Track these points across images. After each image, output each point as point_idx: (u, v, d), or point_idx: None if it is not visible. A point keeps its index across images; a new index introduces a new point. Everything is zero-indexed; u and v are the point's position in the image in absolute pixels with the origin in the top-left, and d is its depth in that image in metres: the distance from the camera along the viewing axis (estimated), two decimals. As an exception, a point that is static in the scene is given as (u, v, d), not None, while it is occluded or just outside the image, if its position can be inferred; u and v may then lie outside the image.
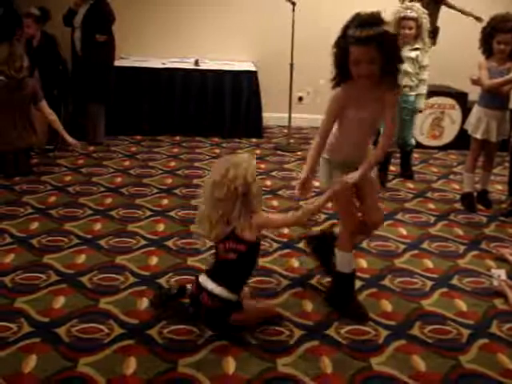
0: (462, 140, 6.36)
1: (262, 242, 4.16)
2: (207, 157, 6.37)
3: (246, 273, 3.17)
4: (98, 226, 4.36)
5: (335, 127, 3.18)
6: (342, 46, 2.94)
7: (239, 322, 3.07)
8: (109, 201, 4.91)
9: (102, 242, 4.09)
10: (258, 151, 6.72)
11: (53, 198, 4.92)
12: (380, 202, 3.45)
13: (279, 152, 6.71)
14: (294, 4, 6.52)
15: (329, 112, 3.11)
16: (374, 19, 2.90)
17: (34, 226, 4.34)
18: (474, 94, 5.31)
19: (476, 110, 5.04)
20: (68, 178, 5.45)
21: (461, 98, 7.00)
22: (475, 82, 4.98)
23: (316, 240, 3.82)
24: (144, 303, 3.33)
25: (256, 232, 3.05)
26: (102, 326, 3.08)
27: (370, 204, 3.36)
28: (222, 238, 3.05)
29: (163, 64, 7.26)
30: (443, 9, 7.03)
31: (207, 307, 3.05)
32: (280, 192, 5.34)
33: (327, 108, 3.11)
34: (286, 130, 7.12)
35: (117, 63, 6.98)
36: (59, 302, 3.31)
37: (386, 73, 2.95)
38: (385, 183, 5.63)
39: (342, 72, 3.00)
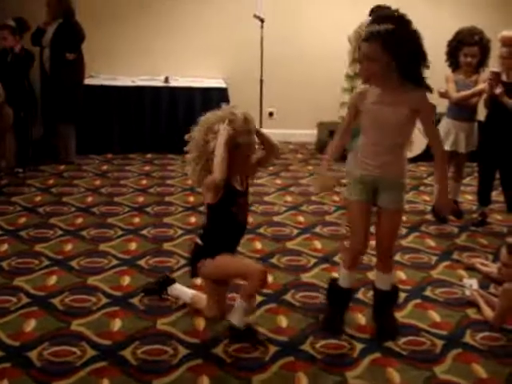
0: (431, 152, 6.41)
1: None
2: (179, 174, 6.34)
3: (219, 226, 3.21)
4: (69, 247, 4.32)
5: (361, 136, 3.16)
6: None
7: (208, 273, 3.23)
8: (80, 221, 4.86)
9: (74, 263, 4.04)
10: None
11: (23, 219, 4.85)
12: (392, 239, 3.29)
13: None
14: (262, 21, 6.57)
15: (349, 110, 3.20)
16: (385, 15, 2.89)
17: (4, 247, 4.27)
18: (442, 106, 5.37)
19: (444, 122, 5.10)
20: (38, 199, 5.39)
21: (429, 110, 7.07)
22: (443, 95, 5.04)
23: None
24: (117, 324, 3.29)
25: (207, 194, 3.13)
26: (74, 349, 3.04)
27: (381, 234, 3.24)
28: None
29: (133, 82, 7.23)
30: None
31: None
32: (253, 208, 5.32)
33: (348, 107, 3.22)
34: (257, 146, 7.12)
35: (86, 82, 6.94)
36: (30, 325, 3.26)
37: (404, 74, 2.89)
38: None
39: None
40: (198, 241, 3.27)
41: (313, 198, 5.65)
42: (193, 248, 3.33)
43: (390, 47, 2.80)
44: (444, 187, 3.20)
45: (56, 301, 3.53)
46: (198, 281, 3.72)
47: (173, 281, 3.57)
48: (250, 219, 4.99)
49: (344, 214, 3.46)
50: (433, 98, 4.94)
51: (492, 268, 4.03)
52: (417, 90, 2.96)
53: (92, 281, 3.80)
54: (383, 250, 3.26)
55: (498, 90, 4.58)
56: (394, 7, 3.16)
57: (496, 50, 4.79)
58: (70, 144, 6.64)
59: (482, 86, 4.82)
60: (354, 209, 3.20)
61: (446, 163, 3.21)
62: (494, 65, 4.80)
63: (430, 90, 3.00)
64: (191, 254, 3.35)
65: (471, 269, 4.13)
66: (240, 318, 3.15)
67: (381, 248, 3.26)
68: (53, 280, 3.80)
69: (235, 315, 3.16)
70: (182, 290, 3.51)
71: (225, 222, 3.18)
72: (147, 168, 6.58)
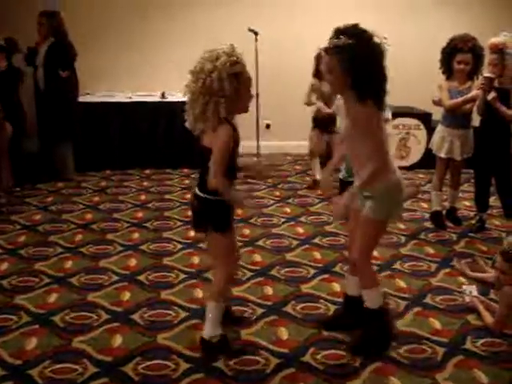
0: (428, 159, 6.45)
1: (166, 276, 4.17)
2: (178, 188, 6.37)
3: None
4: (68, 264, 4.32)
5: None
6: None
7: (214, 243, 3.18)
8: (79, 238, 4.87)
9: (74, 280, 4.05)
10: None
11: (22, 238, 4.86)
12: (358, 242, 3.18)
13: (249, 180, 6.73)
14: (256, 34, 6.61)
15: None
16: (345, 30, 2.88)
17: (4, 266, 4.28)
18: (437, 113, 5.41)
19: (439, 130, 5.12)
20: (37, 217, 5.40)
21: (425, 118, 7.12)
22: (436, 103, 5.07)
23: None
24: (118, 340, 3.30)
25: (214, 143, 2.96)
26: (75, 366, 3.04)
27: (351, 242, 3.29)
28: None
29: (129, 98, 7.26)
30: (405, 34, 7.22)
31: (193, 208, 3.20)
32: (252, 220, 5.34)
33: None
34: (255, 158, 7.16)
35: (83, 99, 6.99)
36: (31, 343, 3.26)
37: (359, 90, 2.90)
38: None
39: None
40: (205, 195, 3.05)
41: (311, 209, 5.67)
42: (198, 204, 3.11)
43: (345, 62, 2.84)
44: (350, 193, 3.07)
45: (57, 318, 3.53)
46: (199, 294, 3.73)
47: None
48: (248, 231, 5.03)
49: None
50: (428, 105, 5.01)
51: (487, 273, 4.07)
52: (355, 98, 2.93)
53: (92, 297, 3.80)
54: (352, 255, 3.27)
55: (491, 96, 4.61)
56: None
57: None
58: (68, 161, 6.67)
59: (475, 92, 4.84)
60: (384, 228, 3.27)
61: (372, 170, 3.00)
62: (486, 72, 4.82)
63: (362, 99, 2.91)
64: (197, 209, 3.14)
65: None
66: (211, 329, 3.14)
67: (351, 253, 3.30)
68: (53, 297, 3.80)
69: (207, 327, 3.15)
70: None
71: (230, 162, 3.02)
72: (146, 183, 6.59)
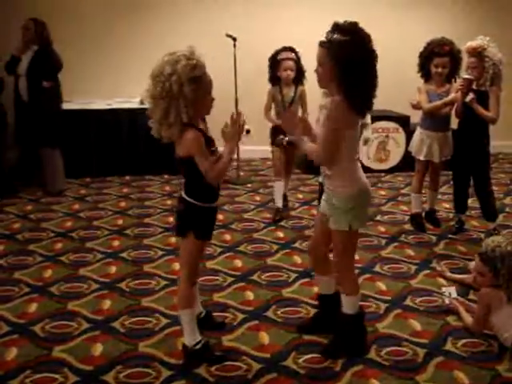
0: (407, 162, 6.50)
1: (216, 277, 4.18)
2: (158, 195, 6.35)
3: (197, 179, 2.99)
4: (48, 273, 4.29)
5: None
6: None
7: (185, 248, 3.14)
8: (59, 246, 4.83)
9: (53, 289, 4.02)
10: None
11: (1, 247, 4.81)
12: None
13: (230, 185, 6.74)
14: (234, 40, 6.61)
15: None
16: (342, 26, 2.86)
17: (-17, 277, 4.25)
18: (416, 116, 5.45)
19: (418, 133, 5.16)
20: (16, 226, 5.35)
21: (404, 121, 7.17)
22: (415, 107, 5.11)
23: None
24: (98, 348, 3.28)
25: (185, 150, 2.95)
26: (56, 375, 3.02)
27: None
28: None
29: (108, 105, 7.24)
30: (383, 37, 7.23)
31: (178, 212, 3.21)
32: (233, 226, 5.34)
33: None
34: (235, 163, 7.15)
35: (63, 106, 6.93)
36: (12, 353, 3.23)
37: (344, 89, 2.88)
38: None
39: None
40: (191, 200, 3.03)
41: (292, 213, 5.68)
42: (183, 207, 3.08)
43: (335, 57, 2.83)
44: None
45: (37, 328, 3.50)
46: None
47: None
48: (228, 237, 5.03)
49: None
50: (406, 108, 5.05)
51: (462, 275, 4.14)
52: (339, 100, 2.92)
53: (72, 306, 3.77)
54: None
55: (469, 98, 4.65)
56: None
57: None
58: (59, 171, 6.47)
59: (453, 95, 4.89)
60: (356, 237, 3.24)
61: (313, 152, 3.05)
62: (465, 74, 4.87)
63: (357, 110, 2.93)
64: (182, 213, 3.11)
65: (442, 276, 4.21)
66: (188, 336, 3.13)
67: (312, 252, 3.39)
68: (33, 307, 3.77)
69: (185, 334, 3.15)
70: None
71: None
72: (125, 190, 6.57)
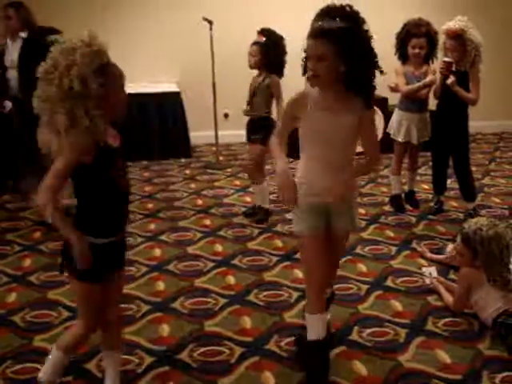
0: (386, 144, 6.49)
1: (197, 262, 4.16)
2: (137, 182, 6.30)
3: (94, 199, 2.40)
4: (27, 262, 4.24)
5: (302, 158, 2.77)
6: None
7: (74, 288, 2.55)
8: (37, 235, 4.78)
9: (33, 278, 3.98)
10: (187, 171, 6.69)
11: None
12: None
13: (209, 170, 6.71)
14: (211, 23, 6.56)
15: (284, 116, 2.83)
16: (335, 11, 2.49)
17: (-40, 267, 4.19)
18: (393, 98, 5.45)
19: (396, 114, 5.17)
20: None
21: (381, 103, 7.16)
22: (393, 89, 5.10)
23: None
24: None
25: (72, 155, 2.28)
26: (37, 365, 2.97)
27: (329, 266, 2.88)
28: None
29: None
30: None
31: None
32: (212, 210, 5.33)
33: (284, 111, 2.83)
34: (214, 148, 7.13)
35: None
36: (-8, 345, 3.20)
37: (351, 78, 2.52)
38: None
39: (304, 69, 2.63)
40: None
41: (271, 196, 5.66)
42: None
43: (341, 47, 2.45)
44: (351, 176, 2.80)
45: (17, 318, 3.46)
46: (161, 287, 3.70)
47: None
48: (208, 222, 5.01)
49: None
50: (384, 90, 5.05)
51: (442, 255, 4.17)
52: (359, 97, 2.59)
53: (52, 295, 3.74)
54: (327, 282, 2.93)
55: (450, 80, 4.66)
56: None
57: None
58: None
59: (431, 77, 4.90)
60: (309, 246, 2.76)
61: (373, 168, 2.97)
62: (441, 56, 4.87)
63: (369, 103, 2.62)
64: (64, 245, 2.48)
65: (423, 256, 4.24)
66: (48, 372, 2.62)
67: (326, 280, 2.89)
68: (12, 297, 3.73)
69: (45, 366, 2.65)
70: None
71: (102, 191, 2.40)
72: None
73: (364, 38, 2.51)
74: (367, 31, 2.53)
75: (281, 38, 4.86)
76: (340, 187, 2.67)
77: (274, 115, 4.98)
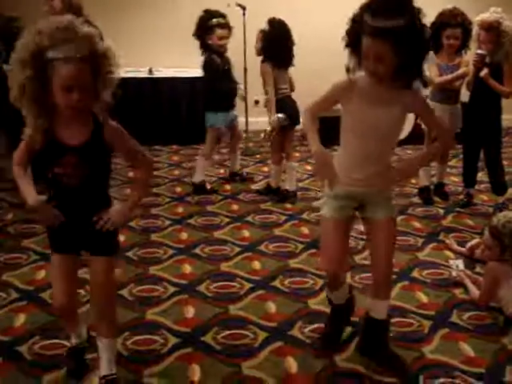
0: (417, 135, 6.45)
1: (223, 247, 4.18)
2: (166, 165, 6.35)
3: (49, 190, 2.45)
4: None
5: (340, 145, 2.71)
6: (356, 29, 2.43)
7: None
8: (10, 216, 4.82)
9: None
10: (216, 156, 6.71)
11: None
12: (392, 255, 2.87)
13: (243, 157, 6.71)
14: (244, 8, 6.55)
15: (324, 99, 2.66)
16: (396, 6, 2.33)
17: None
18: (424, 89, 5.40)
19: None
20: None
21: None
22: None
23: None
24: (21, 319, 3.27)
25: None
26: (64, 341, 3.02)
27: (376, 255, 2.82)
28: None
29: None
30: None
31: None
32: (240, 196, 5.35)
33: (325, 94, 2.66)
34: (244, 135, 7.13)
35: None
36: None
37: (404, 72, 2.44)
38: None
39: (354, 57, 2.51)
40: None
41: (300, 184, 5.66)
42: None
43: (401, 46, 2.33)
44: (421, 158, 2.91)
45: (45, 295, 3.51)
46: (187, 270, 3.72)
47: None
48: (236, 207, 5.03)
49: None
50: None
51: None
52: (406, 88, 2.54)
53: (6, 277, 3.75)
54: (381, 273, 2.81)
55: (483, 72, 4.60)
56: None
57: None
58: None
59: (464, 69, 4.85)
60: (328, 226, 2.77)
61: (449, 143, 2.85)
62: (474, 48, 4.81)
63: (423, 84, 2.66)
64: None
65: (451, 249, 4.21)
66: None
67: (379, 269, 2.81)
68: (42, 274, 3.79)
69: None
70: None
71: (49, 183, 2.41)
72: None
73: (422, 32, 2.40)
74: (424, 24, 2.42)
75: (286, 30, 5.01)
76: (380, 178, 2.67)
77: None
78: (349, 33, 2.49)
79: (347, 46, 2.52)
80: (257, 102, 7.86)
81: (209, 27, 5.18)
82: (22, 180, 2.38)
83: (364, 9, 2.39)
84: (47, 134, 2.28)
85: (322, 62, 7.04)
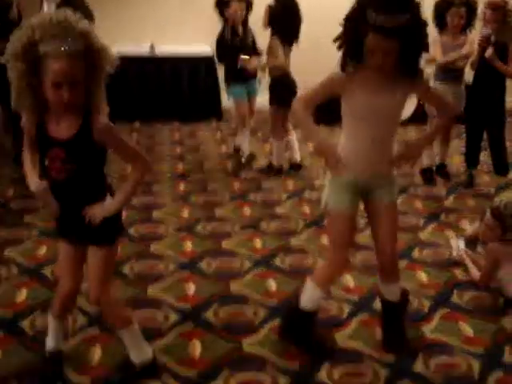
0: (419, 115, 6.42)
1: (224, 225, 4.19)
2: (168, 142, 6.33)
3: None
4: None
5: (342, 134, 2.70)
6: (359, 25, 2.42)
7: None
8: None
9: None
10: (218, 133, 6.69)
11: (10, 191, 4.84)
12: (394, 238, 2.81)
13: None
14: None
15: (321, 89, 2.65)
16: (401, 2, 2.37)
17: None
18: (428, 68, 5.36)
19: (433, 85, 5.08)
20: None
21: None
22: (429, 61, 5.01)
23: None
24: (23, 294, 3.28)
25: None
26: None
27: (382, 241, 2.78)
28: None
29: (118, 53, 7.13)
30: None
31: None
32: (242, 175, 5.34)
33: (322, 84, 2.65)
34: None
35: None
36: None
37: (404, 61, 2.47)
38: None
39: (354, 54, 2.50)
40: None
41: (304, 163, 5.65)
42: None
43: (405, 41, 2.38)
44: (425, 138, 2.98)
45: (47, 271, 3.53)
46: (188, 248, 3.73)
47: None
48: (238, 185, 5.03)
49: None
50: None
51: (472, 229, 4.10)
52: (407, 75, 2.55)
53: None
54: (388, 256, 2.79)
55: (489, 53, 4.57)
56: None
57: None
58: None
59: (468, 49, 4.82)
60: (337, 222, 2.75)
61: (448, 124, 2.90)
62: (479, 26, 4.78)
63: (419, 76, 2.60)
64: None
65: (458, 228, 4.21)
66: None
67: (384, 255, 2.79)
68: (43, 250, 3.80)
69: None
70: None
71: (44, 176, 2.38)
72: (134, 137, 6.55)
73: (423, 26, 2.48)
74: (424, 19, 2.48)
75: (293, 5, 5.05)
76: (384, 163, 2.66)
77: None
78: (347, 33, 2.49)
79: (346, 46, 2.51)
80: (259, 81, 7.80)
81: (226, 1, 5.23)
82: (26, 165, 2.39)
83: (365, 5, 2.39)
84: (40, 127, 2.28)
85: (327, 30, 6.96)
